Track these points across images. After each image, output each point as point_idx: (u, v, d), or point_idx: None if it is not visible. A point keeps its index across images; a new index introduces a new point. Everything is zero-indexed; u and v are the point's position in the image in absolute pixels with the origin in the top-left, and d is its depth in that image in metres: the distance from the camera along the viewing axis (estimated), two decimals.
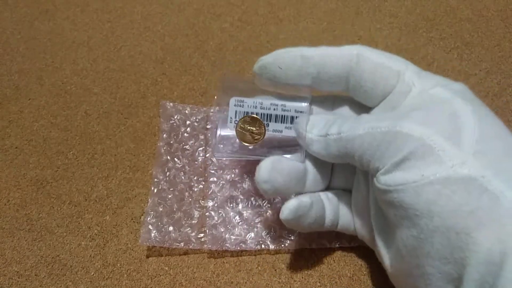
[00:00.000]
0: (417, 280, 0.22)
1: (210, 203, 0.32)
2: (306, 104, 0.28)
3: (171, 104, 0.36)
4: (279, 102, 0.28)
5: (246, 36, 0.42)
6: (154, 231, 0.31)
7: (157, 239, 0.31)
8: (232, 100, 0.28)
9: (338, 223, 0.28)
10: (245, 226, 0.31)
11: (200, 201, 0.33)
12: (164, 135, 0.35)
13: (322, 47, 0.27)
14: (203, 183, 0.33)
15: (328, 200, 0.28)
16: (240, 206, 0.32)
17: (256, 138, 0.28)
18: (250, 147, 0.29)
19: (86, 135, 0.36)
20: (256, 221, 0.32)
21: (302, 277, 0.30)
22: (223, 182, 0.33)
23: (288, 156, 0.28)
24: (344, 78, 0.26)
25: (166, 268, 0.30)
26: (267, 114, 0.28)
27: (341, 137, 0.25)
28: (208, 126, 0.36)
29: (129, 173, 0.34)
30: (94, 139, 0.36)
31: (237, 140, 0.29)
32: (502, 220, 0.19)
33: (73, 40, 0.42)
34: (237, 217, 0.32)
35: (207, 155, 0.34)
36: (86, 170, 0.35)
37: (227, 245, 0.31)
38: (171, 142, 0.35)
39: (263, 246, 0.31)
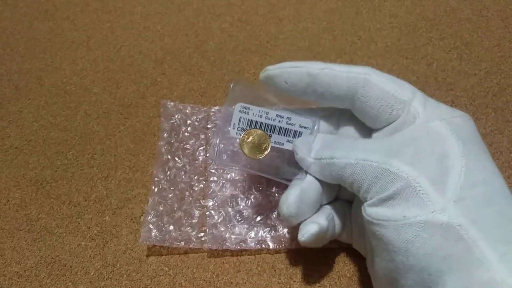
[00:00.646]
0: None
1: (211, 203, 0.32)
2: (312, 120, 0.28)
3: (171, 103, 0.36)
4: (285, 115, 0.28)
5: (246, 36, 0.42)
6: (155, 230, 0.31)
7: (158, 238, 0.31)
8: (238, 106, 0.28)
9: (340, 234, 0.29)
10: (245, 225, 0.31)
11: (201, 200, 0.33)
12: (165, 134, 0.35)
13: (329, 64, 0.26)
14: (204, 182, 0.33)
15: (336, 213, 0.28)
16: (240, 206, 0.32)
17: (259, 153, 0.28)
18: (252, 160, 0.28)
19: (86, 135, 0.36)
20: (257, 220, 0.32)
21: (302, 278, 0.30)
22: (224, 181, 0.33)
23: (294, 175, 0.27)
24: (349, 99, 0.26)
25: (166, 268, 0.30)
26: (271, 125, 0.28)
27: (334, 162, 0.25)
28: (208, 126, 0.36)
29: (129, 173, 0.34)
30: (93, 139, 0.36)
31: (239, 151, 0.28)
32: (471, 269, 0.20)
33: (72, 40, 0.42)
34: (237, 216, 0.32)
35: (207, 155, 0.34)
36: (86, 170, 0.35)
37: (228, 244, 0.30)
38: (172, 141, 0.35)
39: (263, 245, 0.31)
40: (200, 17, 0.44)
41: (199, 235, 0.31)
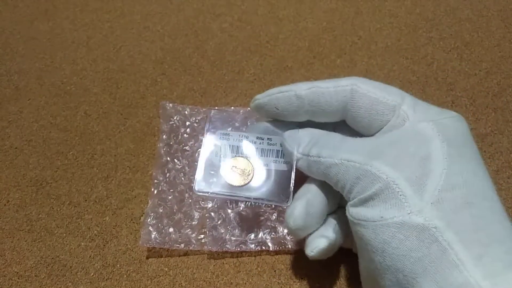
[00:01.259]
0: None
1: (210, 204, 0.32)
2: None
3: (170, 104, 0.36)
4: (265, 136, 0.29)
5: (246, 36, 0.42)
6: (155, 233, 0.31)
7: (158, 241, 0.31)
8: (218, 134, 0.28)
9: (343, 241, 0.29)
10: (245, 227, 0.32)
11: (200, 202, 0.33)
12: (164, 136, 0.35)
13: (315, 83, 0.27)
14: None
15: (339, 222, 0.28)
16: (240, 207, 0.32)
17: (245, 178, 0.28)
18: (237, 186, 0.28)
19: (86, 135, 0.36)
20: (256, 222, 0.32)
21: (302, 278, 0.30)
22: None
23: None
24: (341, 113, 0.27)
25: (166, 269, 0.30)
26: (254, 148, 0.28)
27: (320, 161, 0.25)
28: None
29: (129, 173, 0.34)
30: (93, 139, 0.36)
31: (223, 178, 0.28)
32: (445, 271, 0.20)
33: (72, 40, 0.42)
34: (237, 218, 0.32)
35: None
36: (86, 171, 0.35)
37: (227, 246, 0.31)
38: (171, 143, 0.35)
39: (263, 247, 0.31)
40: (200, 17, 0.44)
41: (199, 237, 0.31)
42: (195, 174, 0.28)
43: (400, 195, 0.22)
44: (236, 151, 0.29)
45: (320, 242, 0.26)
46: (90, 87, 0.39)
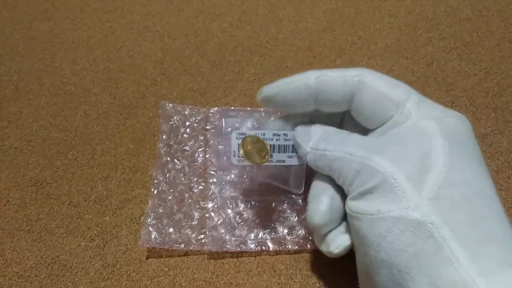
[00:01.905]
0: None
1: (210, 204, 0.32)
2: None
3: (170, 105, 0.36)
4: (281, 132, 0.29)
5: (246, 36, 0.42)
6: (155, 233, 0.31)
7: (158, 241, 0.31)
8: (234, 134, 0.28)
9: None
10: (245, 227, 0.32)
11: (200, 202, 0.33)
12: (164, 136, 0.35)
13: (323, 71, 0.27)
14: (203, 184, 0.33)
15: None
16: (240, 207, 0.32)
17: (263, 156, 0.28)
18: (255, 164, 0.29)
19: (86, 135, 0.36)
20: (256, 222, 0.32)
21: (302, 278, 0.30)
22: (223, 183, 0.33)
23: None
24: (347, 103, 0.27)
25: (166, 269, 0.30)
26: (270, 145, 0.28)
27: (326, 154, 0.26)
28: (207, 127, 0.36)
29: (129, 173, 0.34)
30: (93, 139, 0.36)
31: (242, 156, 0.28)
32: (440, 268, 0.20)
33: (72, 40, 0.42)
34: (237, 218, 0.32)
35: (206, 156, 0.34)
36: (86, 171, 0.35)
37: (227, 246, 0.31)
38: (171, 143, 0.35)
39: (263, 247, 0.31)
40: (200, 17, 0.44)
41: (199, 237, 0.31)
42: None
43: (398, 190, 0.22)
44: None
45: (344, 239, 0.26)
46: (90, 87, 0.39)
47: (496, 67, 0.39)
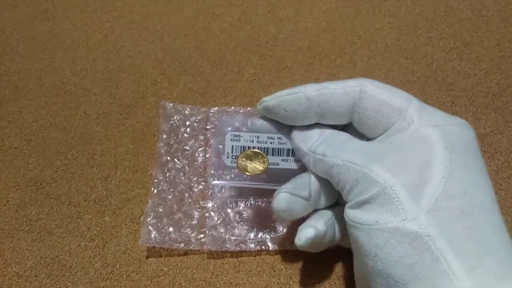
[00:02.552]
0: None
1: (210, 204, 0.32)
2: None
3: (170, 104, 0.36)
4: (276, 135, 0.29)
5: (246, 36, 0.42)
6: (154, 232, 0.31)
7: (157, 240, 0.31)
8: (228, 135, 0.28)
9: (341, 239, 0.29)
10: (245, 226, 0.32)
11: (200, 201, 0.33)
12: (164, 135, 0.35)
13: (324, 84, 0.27)
14: (203, 183, 0.33)
15: (338, 219, 0.28)
16: (240, 207, 0.32)
17: (259, 169, 0.28)
18: (253, 175, 0.29)
19: (86, 135, 0.36)
20: (256, 221, 0.32)
21: (301, 278, 0.30)
22: (223, 182, 0.33)
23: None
24: (349, 114, 0.27)
25: (166, 269, 0.30)
26: (264, 148, 0.29)
27: (324, 160, 0.25)
28: (207, 127, 0.36)
29: (129, 173, 0.34)
30: (93, 139, 0.36)
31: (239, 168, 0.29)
32: (435, 280, 0.20)
33: (72, 40, 0.42)
34: (237, 218, 0.32)
35: (207, 155, 0.34)
36: (86, 171, 0.35)
37: (227, 245, 0.31)
38: (171, 142, 0.35)
39: (263, 246, 0.31)
40: (200, 17, 0.44)
41: (199, 237, 0.31)
42: (208, 168, 0.29)
43: (396, 201, 0.21)
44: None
45: (308, 231, 0.26)
46: (90, 87, 0.39)
47: (496, 67, 0.39)
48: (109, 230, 0.32)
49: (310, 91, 0.26)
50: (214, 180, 0.28)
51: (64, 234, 0.32)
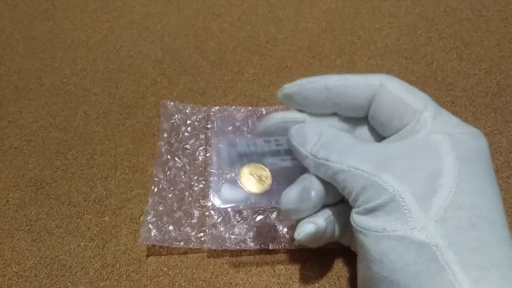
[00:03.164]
0: None
1: (210, 202, 0.32)
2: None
3: (171, 103, 0.36)
4: (272, 138, 0.29)
5: (246, 36, 0.42)
6: (154, 230, 0.31)
7: (157, 238, 0.31)
8: (224, 142, 0.28)
9: (341, 236, 0.29)
10: (245, 225, 0.31)
11: (200, 200, 0.33)
12: (165, 134, 0.35)
13: (345, 75, 0.27)
14: (203, 182, 0.33)
15: (338, 216, 0.28)
16: (239, 206, 0.32)
17: (263, 184, 0.28)
18: (256, 193, 0.28)
19: (85, 135, 0.36)
20: (256, 220, 0.32)
21: (301, 278, 0.30)
22: (223, 181, 0.33)
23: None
24: (366, 108, 0.27)
25: (165, 268, 0.30)
26: (261, 152, 0.28)
27: (329, 165, 0.25)
28: (208, 126, 0.36)
29: (128, 173, 0.34)
30: (93, 139, 0.36)
31: (242, 187, 0.28)
32: None
33: (72, 40, 0.42)
34: (237, 216, 0.32)
35: (207, 155, 0.34)
36: (85, 171, 0.35)
37: (227, 244, 0.30)
38: (172, 141, 0.35)
39: (262, 245, 0.31)
40: (200, 17, 0.44)
41: (199, 235, 0.31)
42: (210, 189, 0.28)
43: (405, 209, 0.21)
44: (245, 158, 0.28)
45: (307, 227, 0.26)
46: (90, 87, 0.39)
47: (496, 67, 0.39)
48: (109, 230, 0.32)
49: (331, 80, 0.27)
50: (219, 205, 0.28)
51: (64, 234, 0.32)
